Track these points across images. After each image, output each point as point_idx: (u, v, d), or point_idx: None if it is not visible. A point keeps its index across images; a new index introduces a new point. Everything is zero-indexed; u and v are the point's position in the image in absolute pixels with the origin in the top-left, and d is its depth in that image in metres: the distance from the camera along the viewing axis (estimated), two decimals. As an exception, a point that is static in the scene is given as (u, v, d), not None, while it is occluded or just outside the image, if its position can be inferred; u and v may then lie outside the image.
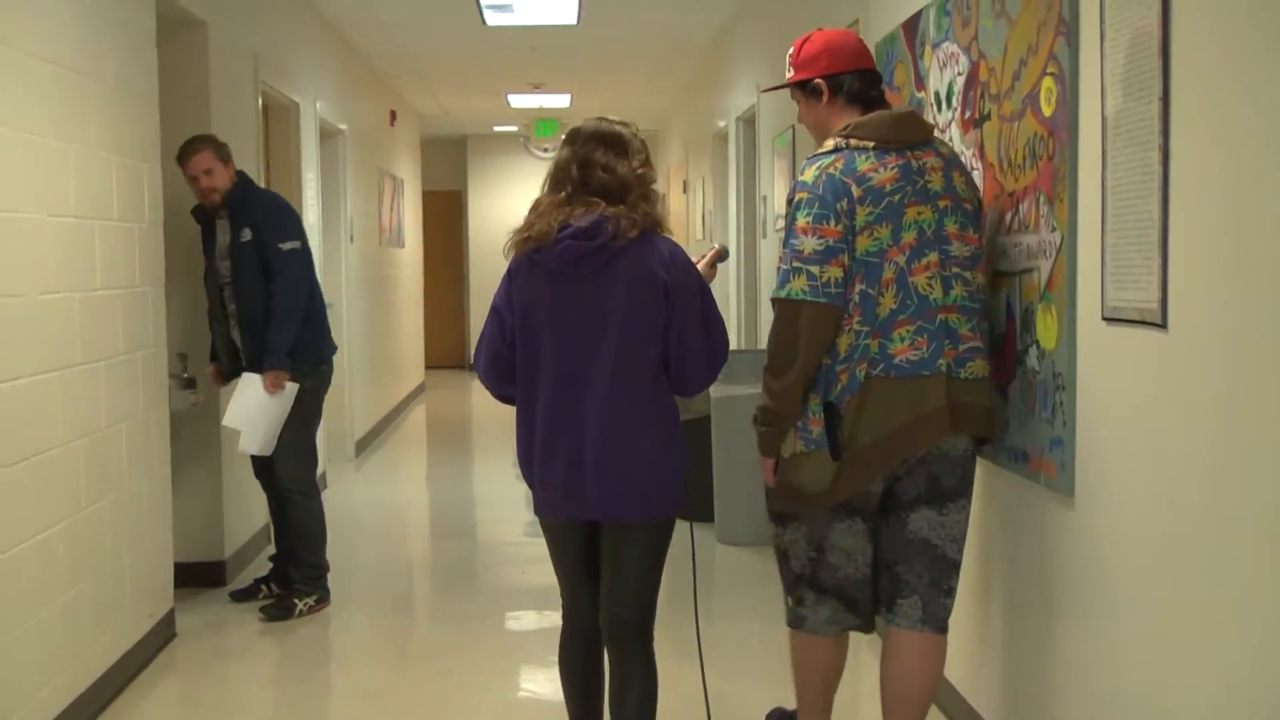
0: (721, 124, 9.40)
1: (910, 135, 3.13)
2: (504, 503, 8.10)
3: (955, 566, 3.19)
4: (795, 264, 3.03)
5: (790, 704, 3.62)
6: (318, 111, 8.11)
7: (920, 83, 4.10)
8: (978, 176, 3.55)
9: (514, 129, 15.41)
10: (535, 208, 3.18)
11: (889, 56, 4.48)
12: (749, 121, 8.54)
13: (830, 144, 3.14)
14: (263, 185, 6.93)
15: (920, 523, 3.15)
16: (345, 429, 9.12)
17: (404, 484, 9.20)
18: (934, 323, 3.04)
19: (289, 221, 5.29)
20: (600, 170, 3.11)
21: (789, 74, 3.33)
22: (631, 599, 3.19)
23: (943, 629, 3.20)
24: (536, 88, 12.15)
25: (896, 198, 3.04)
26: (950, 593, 3.20)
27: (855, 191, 3.02)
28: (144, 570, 4.57)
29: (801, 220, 3.05)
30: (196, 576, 5.54)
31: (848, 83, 3.21)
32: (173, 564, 4.92)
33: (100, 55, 4.26)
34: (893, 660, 3.23)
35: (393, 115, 11.87)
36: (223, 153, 5.17)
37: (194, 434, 5.59)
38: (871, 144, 3.08)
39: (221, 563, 5.67)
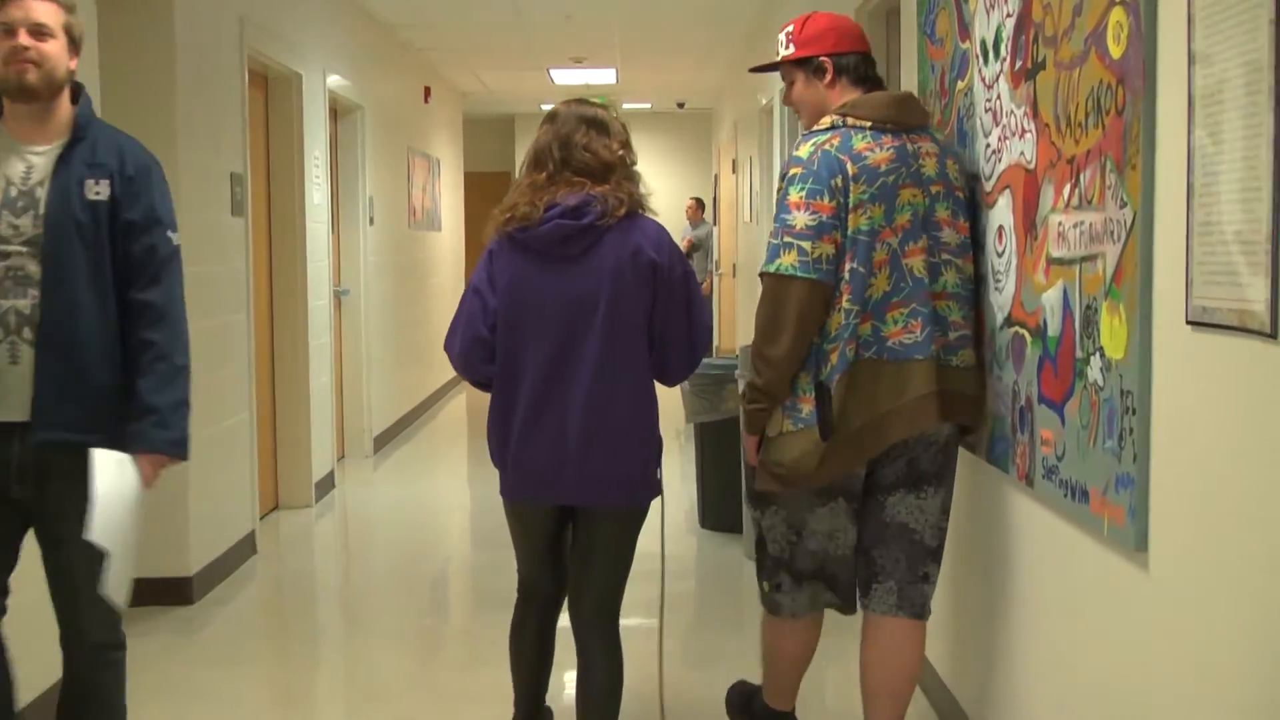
0: (765, 100, 8.71)
1: (908, 118, 3.06)
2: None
3: (931, 553, 3.12)
4: (786, 239, 2.94)
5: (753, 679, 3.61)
6: (327, 85, 7.52)
7: (965, 31, 3.40)
8: (1029, 140, 2.88)
9: (562, 108, 14.78)
10: (515, 188, 3.14)
11: (930, 4, 3.78)
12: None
13: (827, 121, 3.06)
14: (261, 164, 6.44)
15: (898, 507, 3.09)
16: (362, 423, 8.55)
17: (431, 483, 8.22)
18: (927, 306, 2.97)
19: (170, 200, 3.09)
20: (583, 150, 3.08)
21: (788, 50, 3.22)
22: (605, 584, 3.19)
23: (919, 615, 3.14)
24: (578, 62, 11.51)
25: (891, 178, 2.96)
26: (927, 579, 3.13)
27: (850, 169, 2.95)
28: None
29: (794, 195, 2.96)
30: (158, 594, 4.98)
31: (853, 63, 3.15)
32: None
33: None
34: (871, 647, 3.18)
35: (427, 92, 11.28)
36: (74, 28, 2.96)
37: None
38: (869, 124, 3.02)
39: (187, 579, 5.10)
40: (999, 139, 3.10)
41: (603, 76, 12.46)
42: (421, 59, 10.99)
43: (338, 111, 8.32)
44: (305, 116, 6.98)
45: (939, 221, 3.00)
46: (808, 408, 2.96)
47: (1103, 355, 2.46)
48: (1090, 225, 2.52)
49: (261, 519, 6.49)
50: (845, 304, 2.91)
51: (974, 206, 3.16)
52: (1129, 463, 2.33)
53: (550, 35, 10.02)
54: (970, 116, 3.35)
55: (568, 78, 12.44)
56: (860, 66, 3.15)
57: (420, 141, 10.95)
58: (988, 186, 3.18)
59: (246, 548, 5.81)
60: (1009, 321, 3.03)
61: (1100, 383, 2.47)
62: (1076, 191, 2.59)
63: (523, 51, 10.89)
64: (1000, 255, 3.09)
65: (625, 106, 15.12)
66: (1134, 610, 2.36)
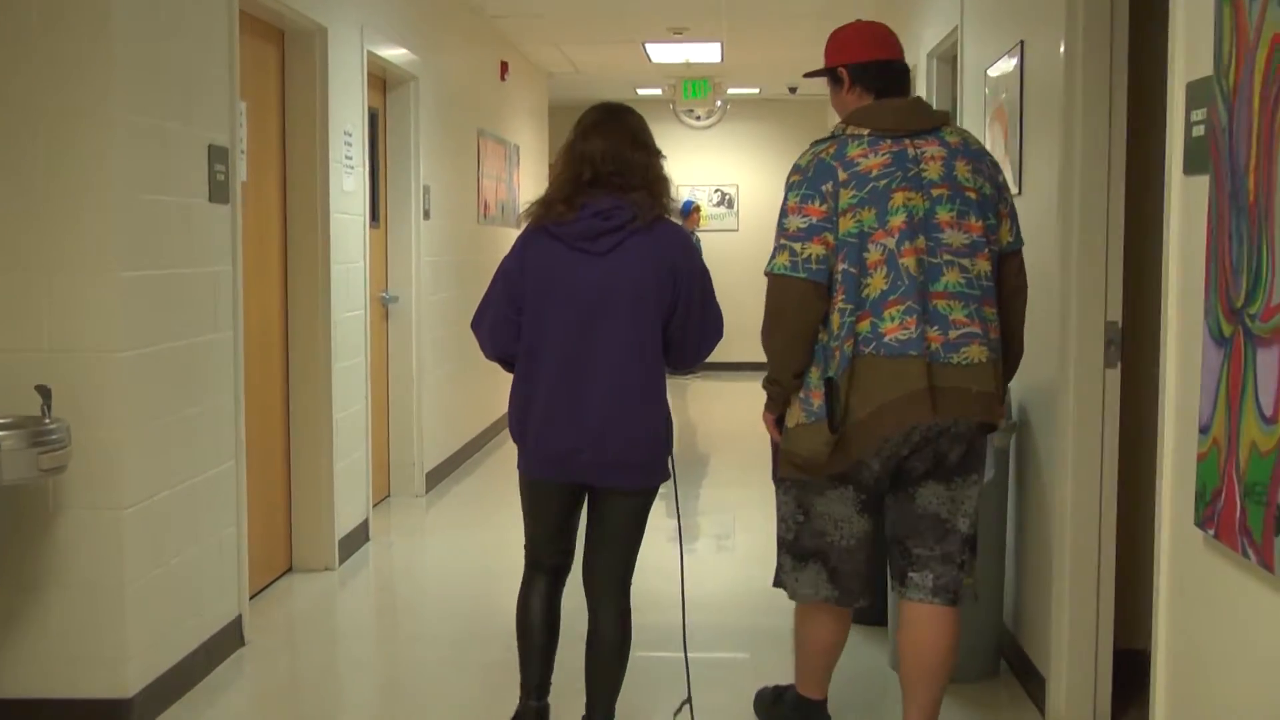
0: (908, 64, 7.16)
1: (909, 124, 3.25)
2: (657, 573, 4.24)
3: (967, 540, 3.29)
4: (781, 241, 3.22)
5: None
6: (366, 46, 6.12)
7: None
8: None
9: (659, 92, 13.31)
10: (556, 182, 3.34)
11: None
12: (947, 59, 6.30)
13: (830, 130, 3.35)
14: (273, 140, 5.03)
15: (929, 497, 3.26)
16: (412, 456, 7.14)
17: (496, 532, 6.21)
18: (921, 304, 3.13)
19: None
20: (620, 158, 3.31)
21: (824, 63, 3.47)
22: (617, 556, 3.40)
23: (953, 601, 3.29)
24: (678, 34, 10.01)
25: (883, 183, 3.16)
26: (963, 566, 3.29)
27: (841, 175, 3.17)
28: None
29: (791, 200, 3.22)
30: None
31: (868, 71, 3.36)
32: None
33: None
34: (907, 632, 3.33)
35: (504, 68, 9.87)
36: None
37: (77, 510, 3.65)
38: (867, 131, 3.23)
39: (125, 701, 3.71)
40: None
41: (706, 53, 10.97)
42: (496, 28, 9.57)
43: (386, 83, 6.94)
44: (331, 82, 5.58)
45: (940, 223, 3.17)
46: (818, 402, 3.16)
47: None
48: None
49: (262, 591, 5.13)
50: (840, 303, 3.14)
51: (998, 202, 3.27)
52: None
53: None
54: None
55: (666, 54, 10.96)
56: (874, 74, 3.34)
57: (495, 124, 9.53)
58: None
59: (229, 640, 4.41)
60: None
61: None
62: None
63: (614, 21, 9.45)
64: None
65: (730, 91, 13.61)
66: None
